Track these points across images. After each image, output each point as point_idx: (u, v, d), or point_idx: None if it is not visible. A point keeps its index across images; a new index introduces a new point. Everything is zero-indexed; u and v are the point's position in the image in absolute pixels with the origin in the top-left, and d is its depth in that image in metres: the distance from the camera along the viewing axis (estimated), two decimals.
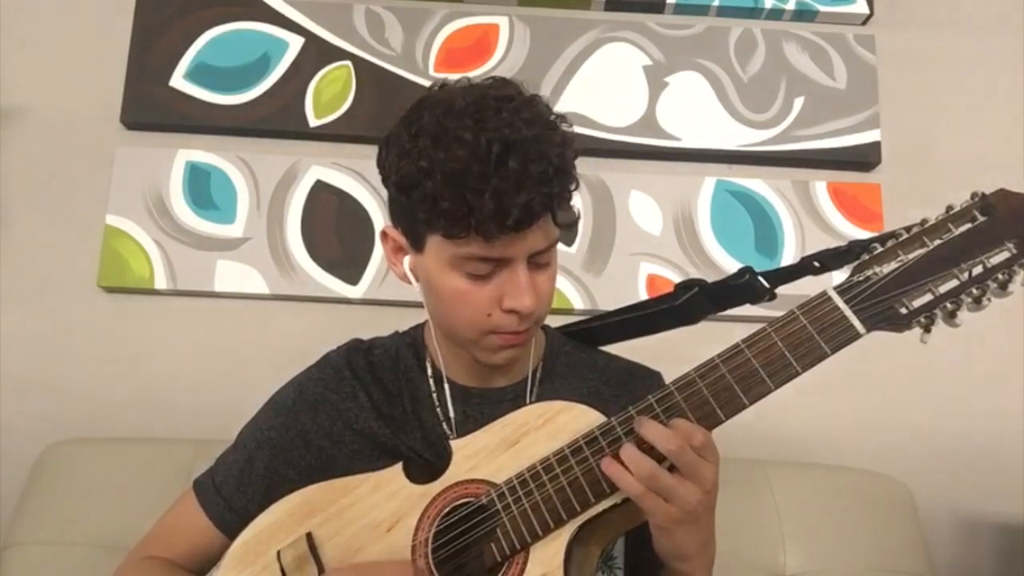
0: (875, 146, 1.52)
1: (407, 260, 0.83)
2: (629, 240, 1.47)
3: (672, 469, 0.69)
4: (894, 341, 1.56)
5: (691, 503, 0.68)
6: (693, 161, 1.53)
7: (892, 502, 1.26)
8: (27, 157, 1.50)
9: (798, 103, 1.53)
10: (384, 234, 0.85)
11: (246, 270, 1.44)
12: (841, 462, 1.35)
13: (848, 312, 0.68)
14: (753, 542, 1.20)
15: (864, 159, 1.52)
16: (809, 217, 1.49)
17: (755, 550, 1.20)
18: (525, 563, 0.73)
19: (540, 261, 0.78)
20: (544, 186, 0.71)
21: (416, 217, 0.75)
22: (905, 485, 1.27)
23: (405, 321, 0.98)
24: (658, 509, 0.69)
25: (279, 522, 0.82)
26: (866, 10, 1.57)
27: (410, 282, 0.84)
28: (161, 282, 1.43)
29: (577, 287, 1.45)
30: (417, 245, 0.79)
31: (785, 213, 1.49)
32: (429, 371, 0.91)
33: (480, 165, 0.69)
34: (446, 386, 0.90)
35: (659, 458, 0.69)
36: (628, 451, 0.69)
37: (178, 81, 1.50)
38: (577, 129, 1.48)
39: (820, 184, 1.50)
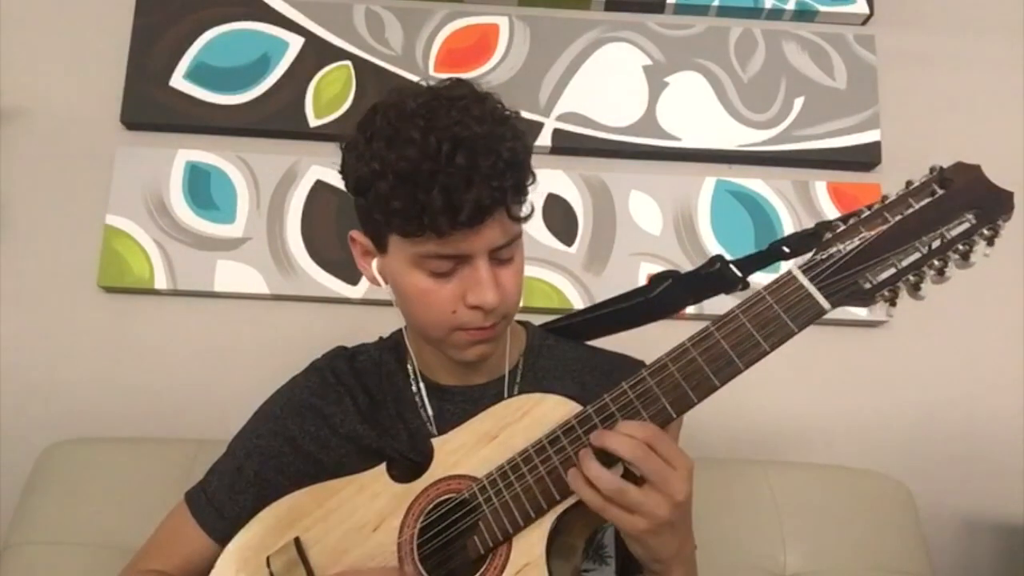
0: (875, 146, 1.51)
1: (375, 263, 0.84)
2: (629, 240, 1.47)
3: (640, 479, 0.69)
4: (894, 341, 1.56)
5: (660, 516, 0.68)
6: (693, 161, 1.52)
7: (892, 502, 1.26)
8: (27, 157, 1.49)
9: (798, 103, 1.53)
10: (352, 239, 0.86)
11: (246, 270, 1.44)
12: (841, 462, 1.35)
13: (813, 289, 0.69)
14: (753, 542, 1.20)
15: (864, 159, 1.52)
16: (809, 217, 1.49)
17: (755, 550, 1.20)
18: (508, 554, 0.74)
19: (502, 256, 0.79)
20: (494, 180, 0.72)
21: (374, 218, 0.77)
22: (905, 485, 1.27)
23: (404, 322, 0.98)
24: (624, 521, 0.69)
25: (267, 528, 0.83)
26: (866, 10, 1.57)
27: (379, 284, 0.85)
28: (161, 282, 1.43)
29: (577, 287, 1.45)
30: (380, 247, 0.81)
31: (785, 213, 1.49)
32: (411, 373, 0.92)
33: (430, 163, 0.71)
34: (425, 386, 0.91)
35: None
36: (591, 468, 0.69)
37: (178, 81, 1.50)
38: (577, 129, 1.51)
39: (820, 184, 1.50)
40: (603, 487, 0.68)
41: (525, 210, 0.79)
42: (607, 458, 0.70)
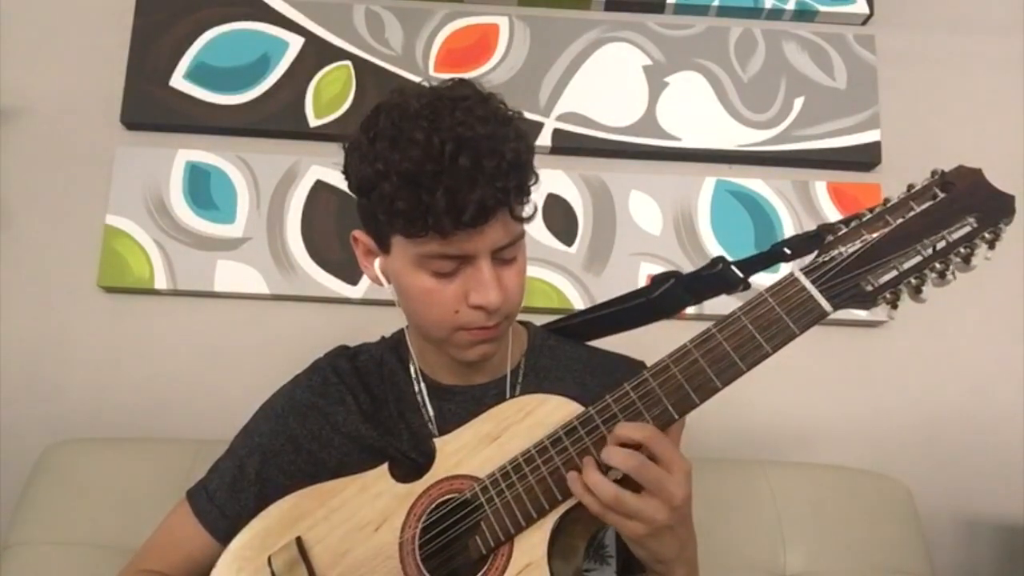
0: (875, 146, 1.51)
1: (377, 262, 0.85)
2: (629, 240, 1.47)
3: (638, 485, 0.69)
4: (894, 342, 1.56)
5: (659, 520, 0.69)
6: (693, 161, 1.52)
7: (892, 502, 1.26)
8: (27, 157, 1.49)
9: (798, 103, 1.53)
10: (354, 238, 0.86)
11: (246, 270, 1.44)
12: (841, 462, 1.35)
13: (815, 292, 0.70)
14: (753, 542, 1.20)
15: (864, 159, 1.52)
16: (809, 217, 1.49)
17: (755, 550, 1.20)
18: (510, 554, 0.74)
19: (505, 256, 0.79)
20: (498, 181, 0.72)
21: (378, 219, 0.77)
22: (905, 485, 1.27)
23: (405, 321, 0.99)
24: (623, 526, 0.70)
25: (270, 527, 0.83)
26: (866, 10, 1.57)
27: (382, 284, 0.85)
28: (161, 282, 1.43)
29: (577, 287, 1.45)
30: (383, 247, 0.81)
31: (785, 213, 1.49)
32: (413, 373, 0.93)
33: (433, 164, 0.71)
34: (426, 386, 0.91)
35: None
36: (590, 476, 0.70)
37: (178, 81, 1.50)
38: (577, 129, 1.51)
39: (820, 184, 1.50)
40: (600, 495, 0.69)
41: (528, 210, 0.79)
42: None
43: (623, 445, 0.70)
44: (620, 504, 0.68)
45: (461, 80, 0.79)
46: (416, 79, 1.50)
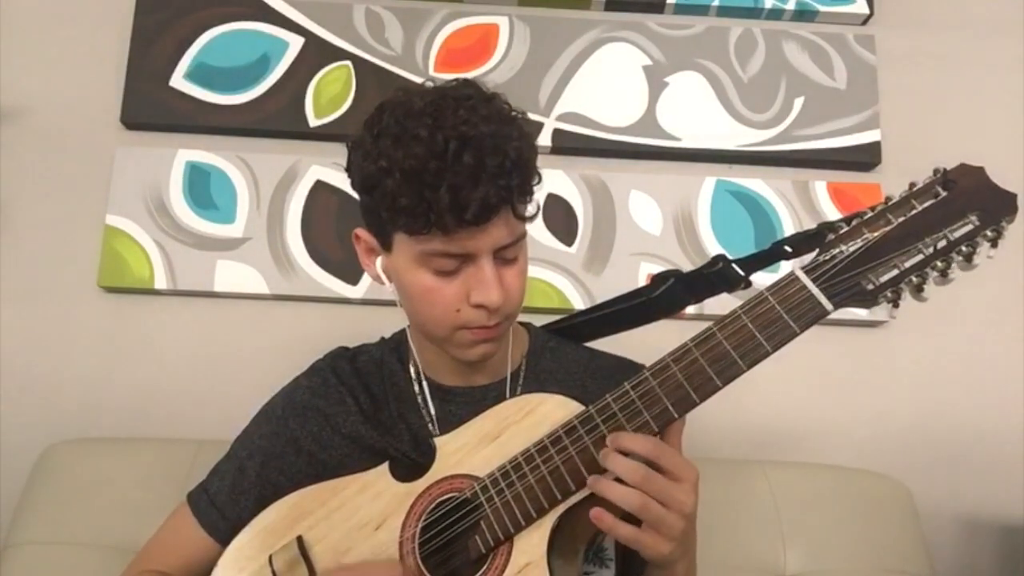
0: (875, 146, 1.51)
1: (379, 261, 0.85)
2: (629, 240, 1.47)
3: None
4: (894, 341, 1.56)
5: (677, 530, 0.69)
6: (693, 161, 1.52)
7: (892, 502, 1.26)
8: (27, 157, 1.49)
9: (798, 103, 1.53)
10: (356, 236, 0.87)
11: (246, 270, 1.44)
12: (841, 462, 1.35)
13: (815, 290, 0.69)
14: (753, 542, 1.20)
15: (864, 159, 1.52)
16: (809, 217, 1.49)
17: (755, 550, 1.20)
18: (510, 554, 0.74)
19: (507, 256, 0.79)
20: (501, 179, 0.72)
21: (380, 216, 0.77)
22: (905, 485, 1.27)
23: (405, 322, 0.99)
24: (655, 546, 0.69)
25: (271, 526, 0.83)
26: (866, 10, 1.57)
27: (383, 282, 0.86)
28: (161, 282, 1.43)
29: (577, 287, 1.45)
30: (385, 245, 0.81)
31: (785, 213, 1.49)
32: (413, 373, 0.93)
33: (437, 161, 0.71)
34: (428, 387, 0.91)
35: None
36: (613, 491, 0.69)
37: (178, 81, 1.50)
38: (577, 129, 1.51)
39: (820, 184, 1.50)
40: (629, 505, 0.68)
41: (531, 210, 0.80)
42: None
43: (624, 455, 0.70)
44: (647, 511, 0.68)
45: (465, 80, 0.79)
46: (416, 79, 1.50)
